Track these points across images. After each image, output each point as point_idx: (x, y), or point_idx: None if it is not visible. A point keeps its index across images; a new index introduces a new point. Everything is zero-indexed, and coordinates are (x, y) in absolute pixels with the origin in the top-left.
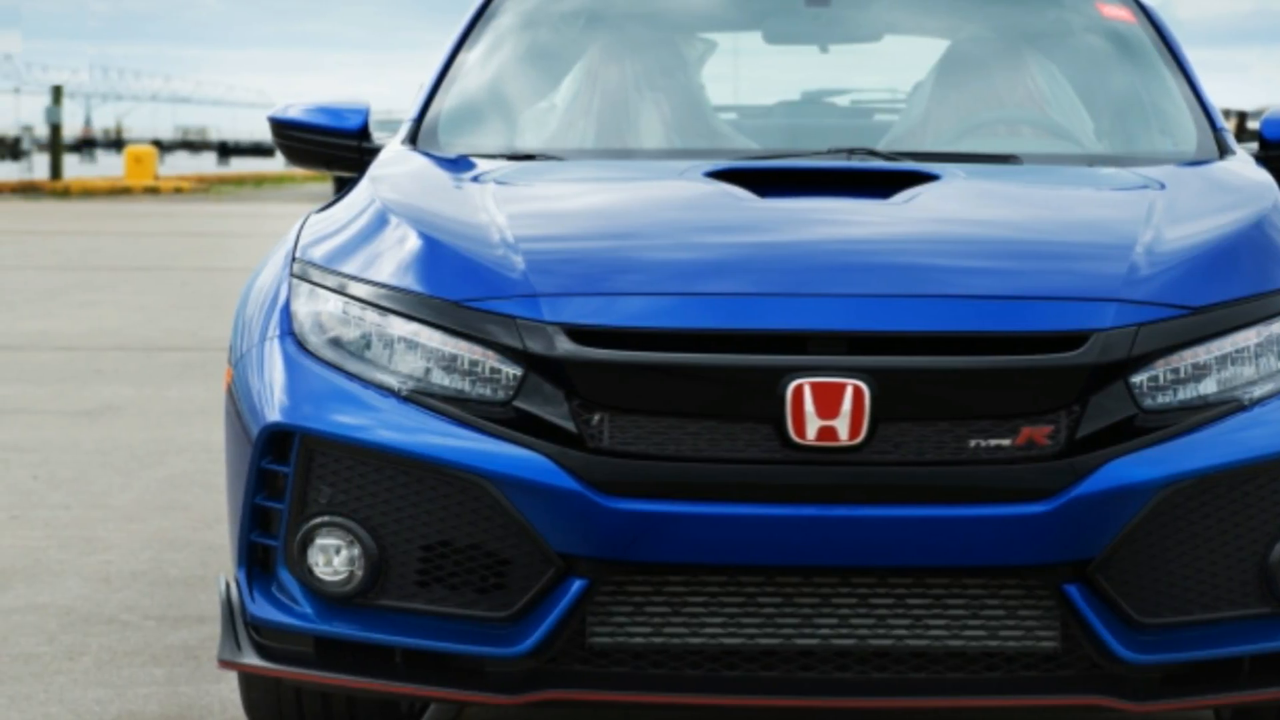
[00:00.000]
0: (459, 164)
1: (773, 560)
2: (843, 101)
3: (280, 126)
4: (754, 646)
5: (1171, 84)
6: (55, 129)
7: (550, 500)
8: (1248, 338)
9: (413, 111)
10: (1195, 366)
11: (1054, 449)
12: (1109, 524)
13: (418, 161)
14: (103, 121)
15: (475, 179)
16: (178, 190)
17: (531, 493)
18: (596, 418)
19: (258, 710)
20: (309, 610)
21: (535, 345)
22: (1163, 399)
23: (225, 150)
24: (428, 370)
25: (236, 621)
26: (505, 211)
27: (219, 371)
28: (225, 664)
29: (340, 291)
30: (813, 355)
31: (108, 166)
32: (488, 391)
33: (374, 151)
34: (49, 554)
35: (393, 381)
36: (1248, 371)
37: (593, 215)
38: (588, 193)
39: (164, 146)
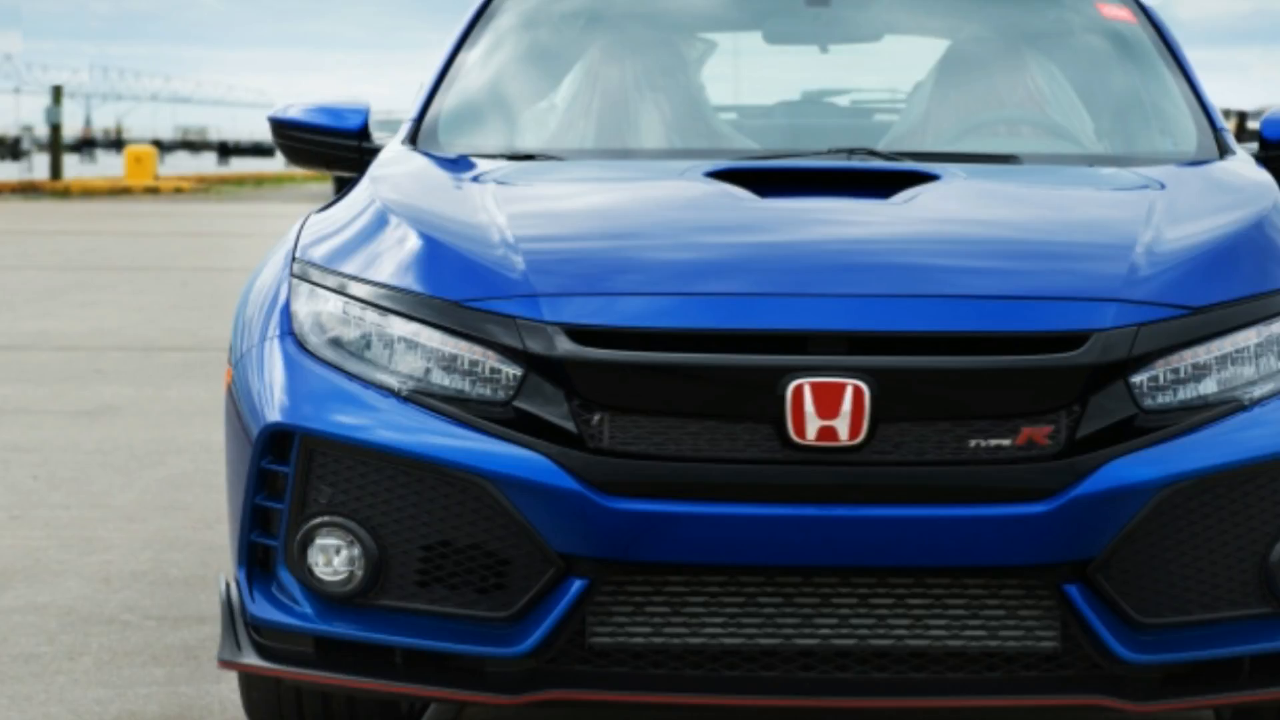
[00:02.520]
0: (459, 164)
1: (773, 560)
2: (843, 101)
3: (280, 126)
4: (754, 646)
5: (1171, 84)
6: (55, 129)
7: (550, 500)
8: (1248, 338)
9: (413, 111)
10: (1195, 366)
11: (1054, 449)
12: (1109, 524)
13: (418, 161)
14: (103, 121)
15: (475, 179)
16: (178, 190)
17: (532, 493)
18: (596, 418)
19: (258, 710)
20: (309, 610)
21: (535, 345)
22: (1163, 399)
23: (225, 150)
24: (428, 370)
25: (236, 621)
26: (505, 211)
27: (219, 371)
28: (225, 664)
29: (340, 291)
30: (813, 355)
31: (108, 166)
32: (488, 391)
33: (374, 151)
34: (49, 554)
35: (393, 381)
36: (1248, 371)
37: (593, 215)
38: (588, 193)
39: (164, 146)
